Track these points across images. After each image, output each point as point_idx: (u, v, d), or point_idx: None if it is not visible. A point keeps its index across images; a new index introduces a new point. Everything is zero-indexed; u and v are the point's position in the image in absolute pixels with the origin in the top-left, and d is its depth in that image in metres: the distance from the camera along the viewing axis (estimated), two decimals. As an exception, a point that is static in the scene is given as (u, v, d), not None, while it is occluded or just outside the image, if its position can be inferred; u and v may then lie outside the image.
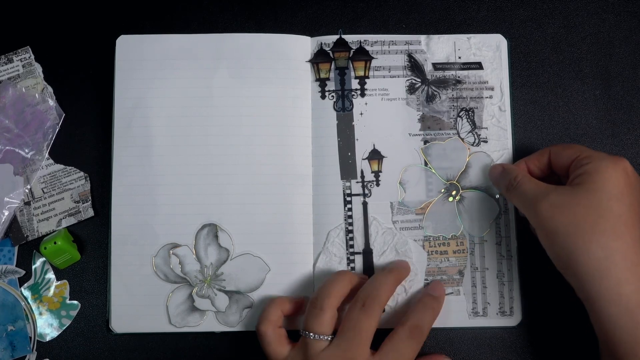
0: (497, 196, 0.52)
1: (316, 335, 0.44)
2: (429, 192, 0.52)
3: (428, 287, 0.49)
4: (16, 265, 0.52)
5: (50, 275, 0.52)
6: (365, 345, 0.44)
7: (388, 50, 0.54)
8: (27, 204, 0.52)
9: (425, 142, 0.53)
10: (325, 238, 0.51)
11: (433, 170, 0.52)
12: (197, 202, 0.52)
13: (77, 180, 0.53)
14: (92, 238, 0.52)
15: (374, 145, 0.53)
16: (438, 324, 0.50)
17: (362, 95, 0.53)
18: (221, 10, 0.55)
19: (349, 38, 0.54)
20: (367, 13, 0.55)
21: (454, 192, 0.52)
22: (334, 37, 0.54)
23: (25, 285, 0.52)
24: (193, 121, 0.52)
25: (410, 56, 0.54)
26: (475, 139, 0.53)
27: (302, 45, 0.54)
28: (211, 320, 0.50)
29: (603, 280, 0.40)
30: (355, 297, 0.45)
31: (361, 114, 0.53)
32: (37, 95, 0.53)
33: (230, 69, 0.53)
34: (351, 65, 0.54)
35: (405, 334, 0.45)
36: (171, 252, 0.51)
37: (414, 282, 0.51)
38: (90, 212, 0.52)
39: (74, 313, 0.51)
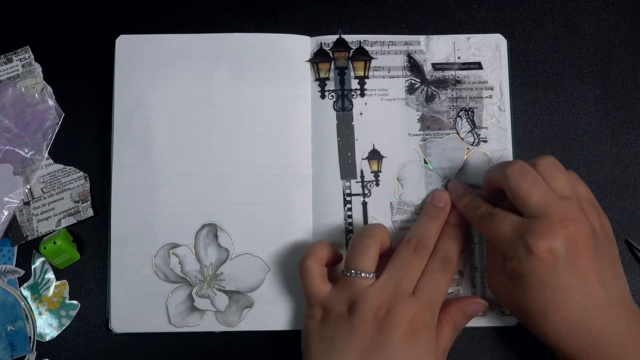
0: None
1: (362, 273, 0.44)
2: (427, 189, 0.52)
3: (431, 197, 0.50)
4: (16, 265, 0.52)
5: (50, 275, 0.52)
6: (413, 283, 0.45)
7: (388, 50, 0.54)
8: (27, 203, 0.52)
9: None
10: (325, 238, 0.51)
11: (431, 168, 0.52)
12: (197, 202, 0.52)
13: (77, 180, 0.53)
14: (92, 238, 0.52)
15: (373, 145, 0.53)
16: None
17: (362, 95, 0.53)
18: (221, 10, 0.55)
19: (348, 38, 0.54)
20: (367, 13, 0.55)
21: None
22: (334, 37, 0.54)
23: (25, 285, 0.52)
24: (193, 121, 0.52)
25: (409, 56, 0.54)
26: (475, 138, 0.53)
27: (302, 45, 0.54)
28: (211, 320, 0.50)
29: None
30: (404, 239, 0.47)
31: (361, 114, 0.53)
32: (36, 95, 0.53)
33: (230, 69, 0.53)
34: (351, 65, 0.54)
35: (438, 265, 0.46)
36: (171, 252, 0.51)
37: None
38: (90, 212, 0.52)
39: (73, 313, 0.51)
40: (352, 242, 0.47)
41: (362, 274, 0.44)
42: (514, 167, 0.43)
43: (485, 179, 0.47)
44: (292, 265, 0.51)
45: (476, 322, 0.50)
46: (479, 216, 0.45)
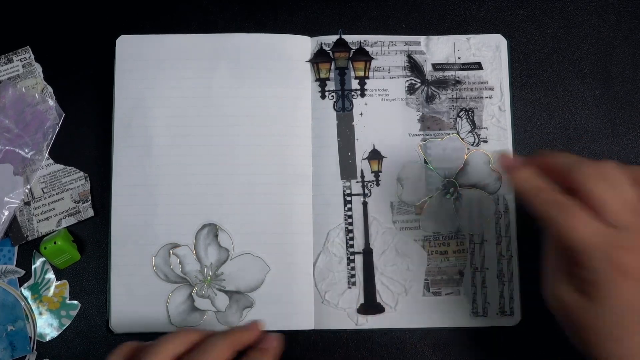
0: (495, 195, 0.52)
1: None
2: (427, 189, 0.52)
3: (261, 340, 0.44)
4: (16, 265, 0.52)
5: (50, 275, 0.52)
6: None
7: (388, 50, 0.54)
8: (27, 204, 0.52)
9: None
10: (325, 238, 0.51)
11: (431, 167, 0.52)
12: (197, 202, 0.52)
13: (77, 180, 0.53)
14: (92, 238, 0.52)
15: (373, 145, 0.53)
16: (438, 324, 0.50)
17: (362, 95, 0.53)
18: (221, 10, 0.55)
19: (349, 38, 0.54)
20: (367, 13, 0.55)
21: (451, 190, 0.52)
22: (334, 37, 0.54)
23: (25, 285, 0.52)
24: (193, 121, 0.52)
25: (410, 57, 0.54)
26: (475, 139, 0.53)
27: (302, 45, 0.54)
28: (211, 320, 0.50)
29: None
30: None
31: (361, 114, 0.53)
32: (37, 95, 0.53)
33: (230, 69, 0.53)
34: (351, 66, 0.54)
35: None
36: (171, 252, 0.51)
37: (414, 282, 0.51)
38: (90, 212, 0.52)
39: (73, 313, 0.51)
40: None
41: None
42: (596, 168, 0.38)
43: (544, 161, 0.40)
44: (292, 265, 0.51)
45: (476, 322, 0.50)
46: (553, 203, 0.37)
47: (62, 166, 0.53)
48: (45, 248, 0.50)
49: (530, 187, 0.39)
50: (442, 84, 0.53)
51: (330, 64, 0.54)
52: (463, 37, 0.54)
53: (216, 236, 0.51)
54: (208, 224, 0.51)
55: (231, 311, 0.50)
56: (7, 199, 0.52)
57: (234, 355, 0.41)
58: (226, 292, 0.50)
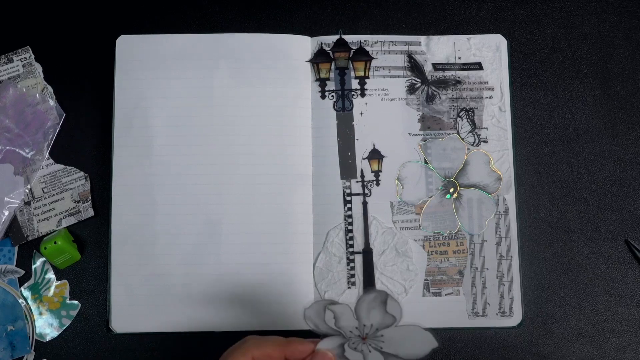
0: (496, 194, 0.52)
1: None
2: (427, 189, 0.52)
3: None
4: (16, 265, 0.52)
5: (50, 275, 0.52)
6: None
7: (388, 50, 0.54)
8: (27, 203, 0.52)
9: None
10: (325, 238, 0.51)
11: (431, 167, 0.52)
12: (197, 202, 0.52)
13: (77, 180, 0.53)
14: (92, 238, 0.52)
15: (373, 145, 0.53)
16: (438, 324, 0.50)
17: (362, 95, 0.53)
18: (221, 10, 0.55)
19: (349, 38, 0.54)
20: (367, 13, 0.55)
21: (451, 190, 0.52)
22: (334, 37, 0.54)
23: (26, 285, 0.52)
24: (193, 121, 0.53)
25: (410, 57, 0.54)
26: (475, 139, 0.53)
27: (302, 45, 0.54)
28: None
29: None
30: None
31: (361, 113, 0.53)
32: (37, 95, 0.54)
33: (230, 69, 0.53)
34: (351, 66, 0.54)
35: None
36: (327, 307, 0.42)
37: (414, 282, 0.51)
38: (90, 212, 0.52)
39: (74, 313, 0.51)
40: None
41: None
42: None
43: None
44: (292, 265, 0.51)
45: (476, 322, 0.50)
46: None
47: (62, 166, 0.53)
48: (45, 248, 0.50)
49: None
50: (442, 83, 0.53)
51: (330, 64, 0.54)
52: (463, 37, 0.54)
53: (384, 303, 0.42)
54: (376, 291, 0.42)
55: None
56: (7, 199, 0.52)
57: None
58: (382, 352, 0.43)
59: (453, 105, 0.53)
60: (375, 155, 0.52)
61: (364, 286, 0.51)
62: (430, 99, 0.53)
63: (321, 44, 0.54)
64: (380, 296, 0.42)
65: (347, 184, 0.52)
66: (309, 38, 0.54)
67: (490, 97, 0.53)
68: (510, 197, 0.52)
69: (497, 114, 0.53)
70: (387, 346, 0.43)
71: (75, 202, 0.52)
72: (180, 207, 0.52)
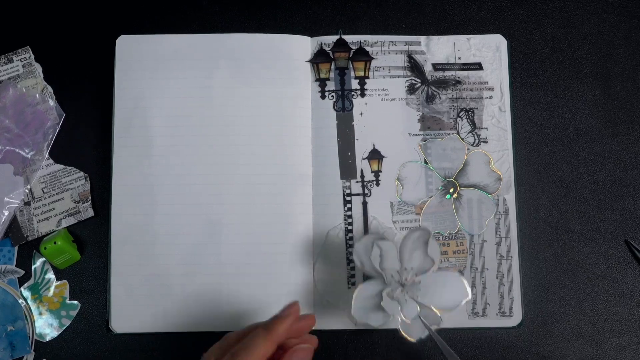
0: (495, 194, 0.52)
1: None
2: (427, 189, 0.52)
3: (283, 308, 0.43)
4: (16, 265, 0.52)
5: (50, 275, 0.52)
6: None
7: (388, 50, 0.54)
8: (27, 204, 0.52)
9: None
10: (325, 238, 0.51)
11: (431, 167, 0.52)
12: (197, 202, 0.52)
13: (77, 180, 0.53)
14: (92, 238, 0.52)
15: (373, 145, 0.53)
16: (438, 324, 0.50)
17: (362, 95, 0.53)
18: (221, 10, 0.55)
19: (349, 38, 0.54)
20: (367, 13, 0.55)
21: (451, 190, 0.52)
22: (334, 37, 0.54)
23: (25, 285, 0.52)
24: (193, 121, 0.53)
25: (410, 57, 0.54)
26: (475, 139, 0.53)
27: (302, 45, 0.54)
28: (390, 323, 0.46)
29: None
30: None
31: (361, 114, 0.53)
32: (37, 95, 0.54)
33: (230, 69, 0.53)
34: (351, 66, 0.54)
35: (226, 358, 0.40)
36: (376, 242, 0.46)
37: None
38: (90, 212, 0.52)
39: (73, 313, 0.51)
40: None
41: None
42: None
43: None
44: (292, 265, 0.51)
45: (476, 322, 0.50)
46: None
47: (62, 166, 0.53)
48: (45, 248, 0.50)
49: None
50: (442, 84, 0.53)
51: (330, 64, 0.54)
52: (463, 37, 0.54)
53: (426, 243, 0.46)
54: (421, 229, 0.46)
55: (416, 324, 0.45)
56: (7, 199, 0.52)
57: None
58: (417, 302, 0.46)
59: (453, 106, 0.53)
60: (375, 156, 0.52)
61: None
62: (430, 99, 0.53)
63: (321, 44, 0.54)
64: (424, 235, 0.46)
65: (347, 184, 0.52)
66: (308, 38, 0.54)
67: (490, 97, 0.53)
68: (510, 197, 0.52)
69: (497, 114, 0.53)
70: (423, 296, 0.46)
71: (75, 202, 0.52)
72: (180, 207, 0.52)
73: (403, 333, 0.45)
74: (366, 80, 0.53)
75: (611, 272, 0.52)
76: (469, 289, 0.46)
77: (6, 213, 0.52)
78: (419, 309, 0.45)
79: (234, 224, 0.51)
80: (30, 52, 0.55)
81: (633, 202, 0.53)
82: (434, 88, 0.53)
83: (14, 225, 0.52)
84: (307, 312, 0.51)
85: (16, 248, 0.52)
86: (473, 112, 0.53)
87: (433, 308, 0.45)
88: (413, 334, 0.45)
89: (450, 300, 0.46)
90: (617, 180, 0.53)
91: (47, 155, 0.53)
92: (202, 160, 0.52)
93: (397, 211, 0.52)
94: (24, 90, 0.54)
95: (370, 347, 0.51)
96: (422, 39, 0.54)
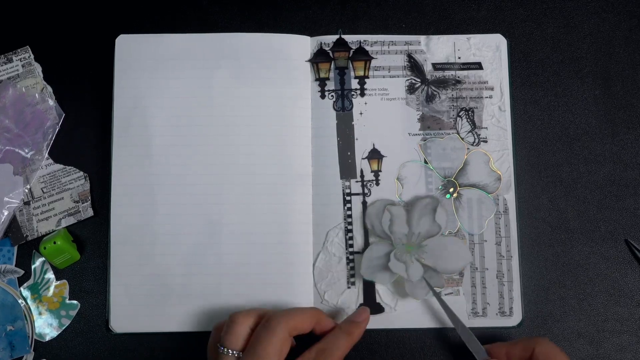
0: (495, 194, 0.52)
1: (226, 350, 0.44)
2: (427, 189, 0.52)
3: (353, 313, 0.48)
4: (15, 265, 0.52)
5: (50, 275, 0.52)
6: None
7: (388, 50, 0.54)
8: (27, 203, 0.52)
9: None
10: (325, 238, 0.51)
11: (431, 167, 0.52)
12: (197, 202, 0.52)
13: (77, 180, 0.53)
14: (92, 238, 0.52)
15: (373, 144, 0.53)
16: (438, 324, 0.50)
17: (362, 95, 0.53)
18: (221, 10, 0.55)
19: (348, 38, 0.54)
20: (367, 13, 0.55)
21: (451, 189, 0.52)
22: (334, 37, 0.54)
23: (25, 285, 0.52)
24: (193, 121, 0.53)
25: (410, 56, 0.54)
26: (475, 138, 0.53)
27: (302, 45, 0.54)
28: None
29: None
30: (311, 348, 0.45)
31: (361, 113, 0.53)
32: (37, 95, 0.53)
33: (230, 69, 0.53)
34: (351, 65, 0.54)
35: (311, 356, 0.44)
36: (387, 207, 0.50)
37: (413, 282, 0.51)
38: (90, 212, 0.52)
39: (73, 313, 0.51)
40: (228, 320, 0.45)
41: (226, 351, 0.43)
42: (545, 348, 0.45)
43: (501, 352, 0.47)
44: (292, 265, 0.51)
45: (476, 322, 0.50)
46: None
47: (61, 166, 0.53)
48: (45, 248, 0.50)
49: None
50: (442, 83, 0.53)
51: (330, 64, 0.54)
52: (463, 37, 0.54)
53: (434, 210, 0.50)
54: (431, 197, 0.51)
55: (420, 285, 0.49)
56: (7, 198, 0.52)
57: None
58: (423, 264, 0.50)
59: (453, 105, 0.53)
60: (375, 155, 0.52)
61: (364, 287, 0.51)
62: (430, 98, 0.53)
63: (321, 43, 0.54)
64: (433, 203, 0.50)
65: (347, 183, 0.52)
66: (308, 38, 0.54)
67: (490, 97, 0.53)
68: (510, 197, 0.52)
69: (497, 113, 0.53)
70: (428, 258, 0.49)
71: (74, 202, 0.52)
72: (180, 207, 0.52)
73: (408, 293, 0.49)
74: (366, 80, 0.53)
75: (611, 271, 0.52)
76: (469, 254, 0.50)
77: (6, 213, 0.52)
78: (423, 270, 0.49)
79: (234, 224, 0.51)
80: (30, 51, 0.55)
81: (633, 201, 0.53)
82: (433, 88, 0.53)
83: (13, 225, 0.52)
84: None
85: (16, 248, 0.52)
86: (473, 111, 0.53)
87: (438, 271, 0.49)
88: (418, 295, 0.49)
89: (453, 263, 0.50)
90: (617, 180, 0.53)
91: (46, 155, 0.53)
92: (202, 160, 0.52)
93: (397, 211, 0.52)
94: (24, 90, 0.54)
95: (370, 347, 0.51)
96: (422, 38, 0.54)
